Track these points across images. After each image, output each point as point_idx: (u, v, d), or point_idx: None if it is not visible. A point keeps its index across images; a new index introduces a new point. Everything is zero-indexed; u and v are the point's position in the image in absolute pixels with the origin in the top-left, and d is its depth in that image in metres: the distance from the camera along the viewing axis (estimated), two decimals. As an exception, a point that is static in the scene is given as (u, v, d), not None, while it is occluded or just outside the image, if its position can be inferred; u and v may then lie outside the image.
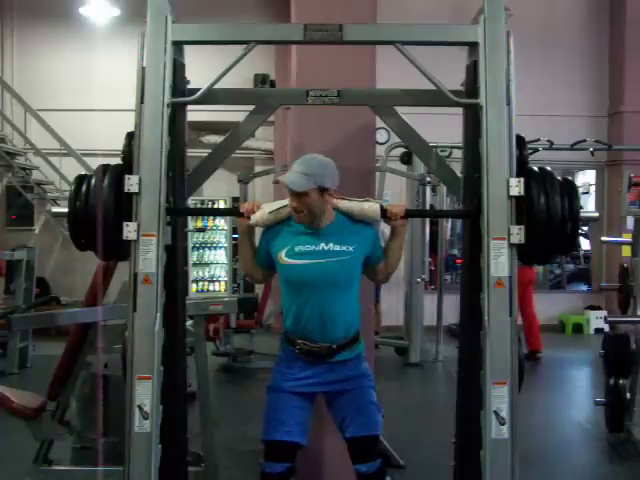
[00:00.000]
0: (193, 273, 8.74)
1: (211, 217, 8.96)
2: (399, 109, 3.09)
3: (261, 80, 9.88)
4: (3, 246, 7.97)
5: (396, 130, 3.13)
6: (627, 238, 5.82)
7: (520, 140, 2.71)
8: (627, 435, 4.85)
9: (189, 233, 8.11)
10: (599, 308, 10.05)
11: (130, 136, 2.71)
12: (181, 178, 2.96)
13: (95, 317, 3.63)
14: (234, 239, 8.49)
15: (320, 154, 2.81)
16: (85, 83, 9.63)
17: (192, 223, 8.24)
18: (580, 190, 10.05)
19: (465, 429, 2.90)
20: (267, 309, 7.86)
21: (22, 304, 6.73)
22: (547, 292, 11.02)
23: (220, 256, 8.93)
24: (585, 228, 10.52)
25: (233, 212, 3.21)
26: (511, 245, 2.54)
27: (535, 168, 2.71)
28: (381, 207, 2.81)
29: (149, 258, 2.56)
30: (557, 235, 2.62)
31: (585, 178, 11.19)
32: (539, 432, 5.10)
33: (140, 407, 2.50)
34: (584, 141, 7.89)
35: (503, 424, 2.48)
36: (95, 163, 2.88)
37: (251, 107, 3.11)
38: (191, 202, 6.42)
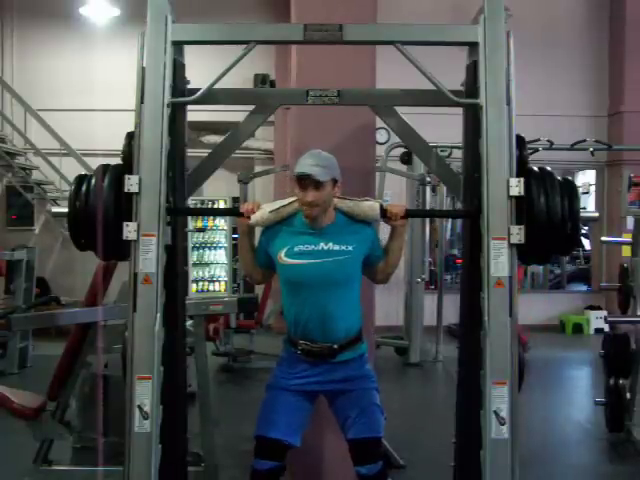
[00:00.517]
0: (193, 273, 8.74)
1: (211, 217, 8.97)
2: (399, 109, 3.09)
3: (261, 80, 9.87)
4: (3, 246, 7.97)
5: (396, 130, 3.13)
6: (627, 238, 5.82)
7: (520, 140, 2.71)
8: (627, 435, 4.85)
9: (189, 233, 8.11)
10: (599, 308, 10.05)
11: (130, 136, 2.71)
12: (181, 178, 2.96)
13: (95, 317, 3.63)
14: (234, 239, 8.49)
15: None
16: (85, 83, 9.63)
17: (192, 223, 8.24)
18: (580, 190, 10.05)
19: (465, 429, 2.90)
20: (267, 309, 7.86)
21: (22, 304, 6.73)
22: (547, 292, 11.04)
23: (220, 256, 8.93)
24: (585, 228, 10.53)
25: (233, 212, 3.22)
26: (511, 245, 2.54)
27: (535, 168, 2.71)
28: (381, 207, 2.81)
29: (149, 258, 2.55)
30: (557, 235, 2.62)
31: (585, 178, 11.19)
32: (539, 432, 5.09)
33: (140, 407, 2.50)
34: (584, 141, 7.89)
35: (503, 424, 2.48)
36: (95, 163, 2.89)
37: (251, 107, 3.11)
38: (191, 202, 6.43)
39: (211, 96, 2.88)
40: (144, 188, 2.57)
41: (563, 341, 9.68)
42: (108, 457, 3.41)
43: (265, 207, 2.83)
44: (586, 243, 11.32)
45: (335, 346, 2.78)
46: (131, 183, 2.57)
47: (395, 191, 8.57)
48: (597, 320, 9.77)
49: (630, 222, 7.97)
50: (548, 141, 7.37)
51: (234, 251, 8.51)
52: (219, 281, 8.91)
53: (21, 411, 3.70)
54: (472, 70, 2.75)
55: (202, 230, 8.74)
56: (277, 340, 2.96)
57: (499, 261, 2.53)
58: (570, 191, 2.65)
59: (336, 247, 2.77)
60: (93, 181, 2.68)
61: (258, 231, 2.91)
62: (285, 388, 2.82)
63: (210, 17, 9.01)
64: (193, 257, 8.79)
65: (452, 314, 7.40)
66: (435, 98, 2.95)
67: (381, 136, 6.63)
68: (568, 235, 2.64)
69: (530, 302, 9.58)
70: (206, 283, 8.91)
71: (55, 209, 3.06)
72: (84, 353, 3.77)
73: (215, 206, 8.82)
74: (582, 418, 5.76)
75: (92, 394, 3.71)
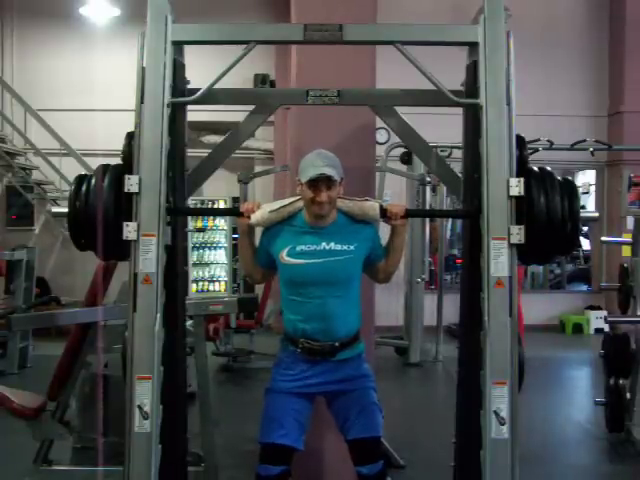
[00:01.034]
0: (193, 273, 8.74)
1: (211, 217, 8.97)
2: (399, 109, 3.09)
3: (261, 80, 9.87)
4: (3, 246, 7.97)
5: (396, 130, 3.13)
6: (627, 238, 5.82)
7: (520, 140, 2.71)
8: (627, 435, 4.85)
9: (189, 233, 8.11)
10: (599, 308, 10.05)
11: (130, 136, 2.71)
12: (181, 178, 2.96)
13: (95, 317, 3.63)
14: (234, 239, 8.49)
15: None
16: (85, 83, 9.63)
17: (192, 223, 8.24)
18: (580, 190, 10.06)
19: (465, 429, 2.90)
20: (267, 309, 7.86)
21: (22, 304, 6.73)
22: (547, 292, 11.04)
23: (220, 256, 8.93)
24: (585, 228, 10.53)
25: (233, 212, 3.22)
26: (511, 245, 2.54)
27: (535, 168, 2.71)
28: (381, 207, 2.81)
29: (149, 258, 2.55)
30: (557, 235, 2.62)
31: (585, 178, 11.20)
32: (539, 432, 5.09)
33: (140, 407, 2.50)
34: (584, 141, 7.89)
35: (503, 424, 2.48)
36: (95, 163, 2.89)
37: (251, 107, 3.11)
38: (191, 202, 6.43)
39: (211, 96, 2.88)
40: (144, 188, 2.57)
41: (563, 341, 9.68)
42: (108, 457, 3.41)
43: (265, 207, 2.83)
44: (586, 243, 11.33)
45: (336, 344, 2.78)
46: (131, 183, 2.57)
47: (395, 191, 8.58)
48: (597, 320, 9.77)
49: (630, 222, 7.97)
50: (548, 141, 7.37)
51: (234, 251, 8.51)
52: (219, 281, 8.91)
53: (21, 411, 3.69)
54: (472, 70, 2.75)
55: (202, 230, 8.75)
56: (277, 340, 2.95)
57: (499, 261, 2.53)
58: (570, 191, 2.65)
59: (338, 247, 2.78)
60: (93, 181, 2.68)
61: (258, 231, 2.91)
62: (285, 391, 2.81)
63: (210, 17, 9.01)
64: (193, 257, 8.79)
65: (452, 314, 7.39)
66: (435, 98, 2.95)
67: (381, 136, 6.63)
68: (568, 235, 2.64)
69: (530, 302, 9.54)
70: (206, 283, 8.92)
71: (55, 209, 3.06)
72: (84, 353, 3.77)
73: (215, 206, 8.82)
74: (582, 418, 5.76)
75: (92, 394, 3.70)
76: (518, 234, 2.54)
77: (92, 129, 9.13)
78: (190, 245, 8.60)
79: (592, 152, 8.02)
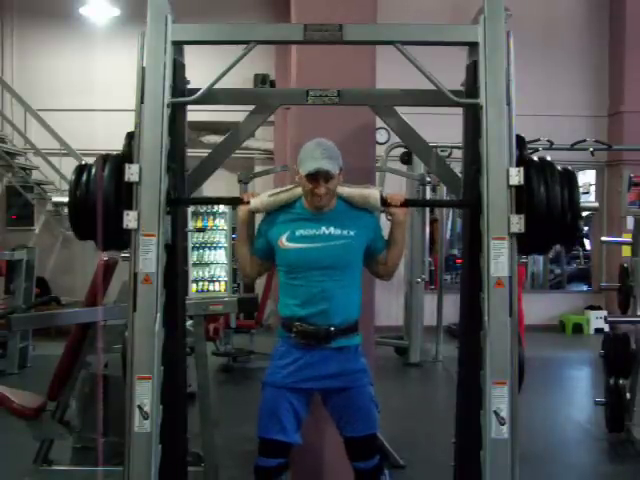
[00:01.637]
0: (193, 273, 8.73)
1: (211, 217, 8.96)
2: (399, 109, 3.09)
3: (261, 80, 9.88)
4: (3, 246, 7.97)
5: (396, 130, 3.13)
6: (627, 238, 5.82)
7: (520, 140, 2.71)
8: (627, 435, 4.85)
9: (189, 233, 8.10)
10: (599, 308, 10.05)
11: (130, 136, 2.71)
12: (181, 178, 2.96)
13: (95, 317, 3.63)
14: (234, 239, 8.48)
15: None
16: (85, 83, 9.64)
17: (192, 223, 8.24)
18: (580, 190, 10.04)
19: (465, 429, 2.90)
20: (267, 309, 7.86)
21: (22, 304, 6.72)
22: (547, 292, 11.04)
23: (220, 256, 8.92)
24: (585, 228, 10.53)
25: (233, 200, 3.24)
26: (511, 235, 2.54)
27: (535, 158, 2.72)
28: (381, 195, 2.82)
29: (149, 258, 2.55)
30: (557, 224, 2.62)
31: (585, 178, 11.19)
32: (539, 432, 5.09)
33: (140, 407, 2.50)
34: (584, 141, 7.90)
35: (503, 424, 2.48)
36: (95, 163, 2.88)
37: (251, 107, 3.11)
38: (191, 202, 6.41)
39: (211, 96, 2.88)
40: (144, 181, 2.56)
41: (563, 341, 9.68)
42: (108, 457, 3.41)
43: (265, 193, 2.85)
44: (586, 243, 11.33)
45: (332, 329, 2.77)
46: (131, 172, 2.57)
47: (395, 191, 8.48)
48: (597, 320, 9.77)
49: (630, 222, 7.95)
50: (548, 141, 7.37)
51: (234, 251, 8.50)
52: (219, 281, 8.90)
53: (21, 411, 3.69)
54: (472, 70, 2.75)
55: (202, 230, 8.74)
56: (277, 339, 2.95)
57: (499, 261, 2.53)
58: (570, 180, 2.66)
59: (337, 232, 2.79)
60: (93, 170, 2.68)
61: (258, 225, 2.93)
62: (282, 386, 2.81)
63: (210, 17, 9.01)
64: (193, 257, 8.78)
65: (452, 314, 7.40)
66: (435, 98, 2.95)
67: (381, 136, 6.62)
68: (568, 224, 2.64)
69: (530, 302, 9.52)
70: (206, 283, 8.90)
71: (56, 198, 3.05)
72: (84, 353, 3.77)
73: (215, 206, 8.81)
74: (582, 418, 5.76)
75: (92, 394, 3.70)
76: (518, 223, 2.54)
77: (92, 129, 9.13)
78: (190, 245, 8.60)
79: (592, 152, 8.03)
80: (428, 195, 7.77)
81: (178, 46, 2.80)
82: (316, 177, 2.70)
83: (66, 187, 2.63)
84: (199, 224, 8.68)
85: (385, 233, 2.93)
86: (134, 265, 2.57)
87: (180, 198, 2.91)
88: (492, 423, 2.48)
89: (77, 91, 9.77)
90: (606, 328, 5.84)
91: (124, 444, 2.53)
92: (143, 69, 2.65)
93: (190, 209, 7.41)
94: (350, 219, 2.82)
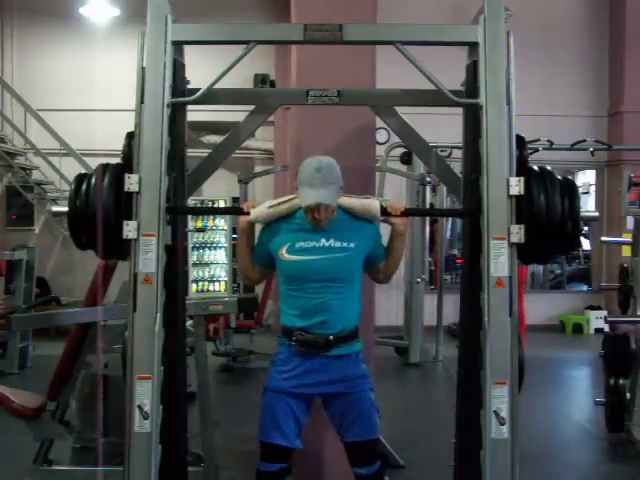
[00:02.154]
0: (193, 273, 8.74)
1: (211, 217, 8.97)
2: (399, 109, 3.09)
3: (261, 80, 9.87)
4: (3, 246, 7.97)
5: (396, 130, 3.13)
6: (627, 238, 5.82)
7: (520, 140, 2.71)
8: (627, 435, 4.85)
9: (189, 233, 8.11)
10: (599, 308, 10.05)
11: (130, 136, 2.71)
12: (181, 178, 2.96)
13: (95, 317, 3.63)
14: (234, 239, 8.49)
15: (319, 153, 2.82)
16: (85, 83, 9.64)
17: (192, 223, 8.24)
18: (580, 190, 10.05)
19: (465, 429, 2.89)
20: (267, 309, 7.86)
21: (22, 304, 6.72)
22: (547, 292, 11.05)
23: (220, 256, 8.93)
24: (585, 228, 10.52)
25: (233, 210, 3.23)
26: (511, 244, 2.54)
27: (535, 167, 2.71)
28: (381, 205, 2.81)
29: (149, 258, 2.55)
30: (557, 234, 2.62)
31: (585, 178, 11.20)
32: (539, 432, 5.09)
33: (140, 407, 2.50)
34: (584, 141, 7.89)
35: (503, 424, 2.47)
36: (95, 163, 2.88)
37: (251, 107, 3.11)
38: (191, 202, 6.43)
39: (211, 96, 2.88)
40: (144, 187, 2.57)
41: (563, 341, 9.68)
42: (108, 457, 3.41)
43: (265, 203, 2.84)
44: (586, 243, 11.33)
45: (331, 337, 2.77)
46: (131, 182, 2.57)
47: (395, 191, 8.57)
48: (597, 320, 9.77)
49: (630, 222, 7.95)
50: (548, 141, 7.37)
51: (234, 251, 8.50)
52: (219, 281, 8.91)
53: (21, 411, 3.69)
54: (472, 70, 2.75)
55: (202, 230, 8.75)
56: (277, 340, 2.95)
57: (499, 261, 2.53)
58: (570, 190, 2.65)
59: (337, 244, 2.78)
60: (93, 180, 2.68)
61: (258, 232, 2.92)
62: (281, 391, 2.81)
63: (210, 17, 9.01)
64: (193, 257, 8.79)
65: (452, 314, 7.40)
66: (435, 98, 2.95)
67: (381, 136, 6.62)
68: (568, 234, 2.64)
69: (530, 302, 9.53)
70: (206, 283, 8.92)
71: (55, 208, 3.05)
72: (84, 353, 3.77)
73: (215, 206, 8.82)
74: (582, 418, 5.75)
75: (92, 394, 3.70)
76: (518, 233, 2.54)
77: (92, 129, 9.14)
78: (190, 245, 8.60)
79: (592, 152, 8.02)
80: (428, 195, 7.77)
81: (178, 46, 2.80)
82: (316, 206, 2.69)
83: (66, 187, 2.63)
84: (199, 224, 8.70)
85: (384, 240, 2.93)
86: (134, 265, 2.57)
87: (179, 207, 2.91)
88: (492, 423, 2.48)
89: (77, 91, 9.77)
90: (606, 328, 5.84)
91: (124, 444, 2.52)
92: (143, 69, 2.65)
93: (190, 209, 7.40)
94: (350, 230, 2.81)
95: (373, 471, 2.84)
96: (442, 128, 5.86)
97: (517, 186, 2.55)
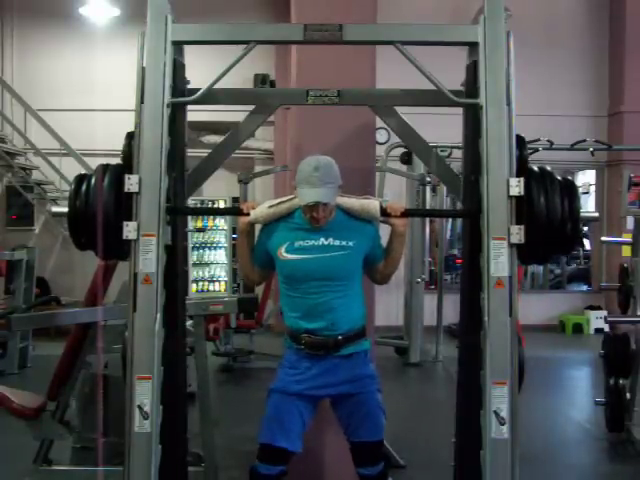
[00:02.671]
0: (193, 273, 8.74)
1: (211, 217, 8.97)
2: (399, 109, 3.09)
3: (261, 80, 9.87)
4: (3, 246, 7.97)
5: (396, 130, 3.13)
6: (627, 238, 5.82)
7: (520, 140, 2.71)
8: (627, 435, 4.85)
9: (189, 233, 8.11)
10: (599, 308, 10.05)
11: (130, 136, 2.71)
12: (181, 178, 2.96)
13: (95, 317, 3.63)
14: (234, 239, 8.49)
15: (318, 153, 2.82)
16: (85, 83, 9.63)
17: (192, 223, 8.24)
18: (580, 190, 10.06)
19: (465, 429, 2.90)
20: (267, 309, 7.86)
21: (22, 304, 6.72)
22: (547, 292, 11.05)
23: (220, 256, 8.93)
24: (585, 228, 10.52)
25: (233, 211, 3.23)
26: (511, 245, 2.54)
27: (535, 168, 2.71)
28: (380, 205, 2.81)
29: (149, 258, 2.55)
30: (557, 235, 2.62)
31: (585, 178, 11.20)
32: (539, 432, 5.09)
33: (140, 407, 2.50)
34: (584, 141, 7.89)
35: (503, 424, 2.48)
36: (95, 163, 2.88)
37: (251, 107, 3.11)
38: (191, 202, 6.43)
39: (211, 96, 2.88)
40: (144, 188, 2.57)
41: (563, 341, 9.68)
42: (108, 457, 3.41)
43: (264, 203, 2.84)
44: (586, 243, 11.33)
45: (340, 337, 2.77)
46: (131, 183, 2.57)
47: (395, 191, 8.57)
48: (597, 320, 9.77)
49: (630, 222, 7.95)
50: (548, 141, 7.37)
51: (234, 251, 8.50)
52: (219, 281, 8.91)
53: (21, 411, 3.69)
54: (472, 70, 2.75)
55: (202, 230, 8.75)
56: (277, 340, 2.96)
57: (499, 261, 2.53)
58: (570, 191, 2.65)
59: (336, 242, 2.78)
60: (93, 181, 2.68)
61: (257, 235, 2.92)
62: (290, 393, 2.80)
63: (210, 17, 9.00)
64: (193, 257, 8.79)
65: (452, 314, 7.41)
66: (435, 98, 2.96)
67: (381, 136, 6.62)
68: (568, 235, 2.64)
69: (530, 302, 9.59)
70: (206, 283, 8.92)
71: (55, 209, 3.05)
72: (84, 353, 3.77)
73: (215, 206, 8.82)
74: (582, 418, 5.75)
75: (92, 394, 3.70)
76: (518, 234, 2.54)
77: (92, 129, 9.13)
78: (190, 245, 8.60)
79: (592, 152, 8.02)
80: (428, 195, 7.77)
81: (178, 46, 2.80)
82: (314, 205, 2.70)
83: (66, 187, 2.63)
84: (199, 224, 8.70)
85: (384, 241, 2.93)
86: (134, 265, 2.57)
87: (179, 207, 2.91)
88: (492, 423, 2.48)
89: (77, 91, 9.77)
90: (606, 328, 5.85)
91: (124, 444, 2.52)
92: (143, 69, 2.65)
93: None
94: (349, 229, 2.81)
95: (377, 472, 2.86)
96: (442, 128, 5.86)
97: (517, 186, 2.55)
